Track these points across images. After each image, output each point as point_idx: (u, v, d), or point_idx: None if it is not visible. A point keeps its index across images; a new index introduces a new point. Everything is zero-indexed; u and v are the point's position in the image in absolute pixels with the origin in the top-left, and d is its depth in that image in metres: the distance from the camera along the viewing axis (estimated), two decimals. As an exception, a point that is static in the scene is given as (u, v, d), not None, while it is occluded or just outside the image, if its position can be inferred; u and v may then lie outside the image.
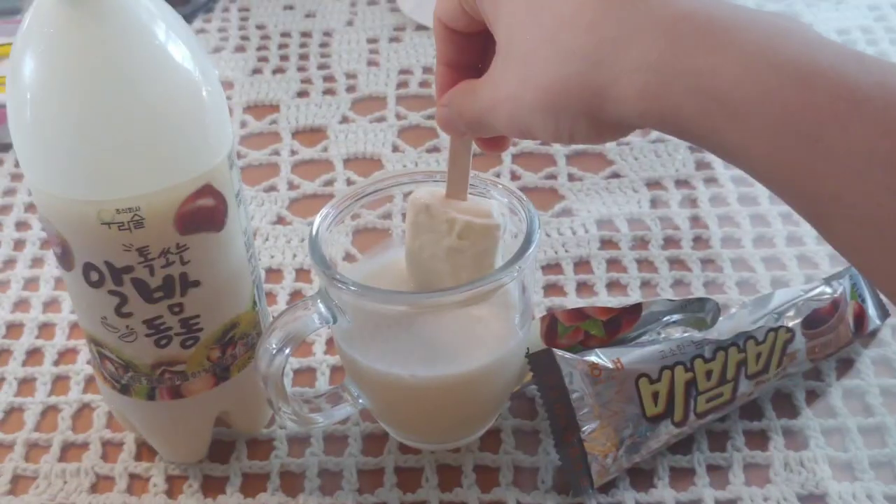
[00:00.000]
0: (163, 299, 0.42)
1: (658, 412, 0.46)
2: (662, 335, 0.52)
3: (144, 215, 0.39)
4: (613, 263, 0.60)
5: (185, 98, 0.39)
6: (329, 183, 0.69)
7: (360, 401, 0.48)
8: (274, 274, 0.61)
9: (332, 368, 0.54)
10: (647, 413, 0.46)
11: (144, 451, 0.50)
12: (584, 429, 0.46)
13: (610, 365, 0.46)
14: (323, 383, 0.53)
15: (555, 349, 0.46)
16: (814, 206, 0.29)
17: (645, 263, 0.60)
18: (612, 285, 0.58)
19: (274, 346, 0.43)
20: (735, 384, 0.48)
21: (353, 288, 0.42)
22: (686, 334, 0.50)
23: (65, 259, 0.42)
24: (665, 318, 0.50)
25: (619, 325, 0.49)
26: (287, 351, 0.43)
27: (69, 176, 0.39)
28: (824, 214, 0.29)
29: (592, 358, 0.46)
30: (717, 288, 0.58)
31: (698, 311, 0.50)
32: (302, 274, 0.61)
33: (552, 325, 0.49)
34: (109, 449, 0.50)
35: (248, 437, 0.50)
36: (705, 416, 0.48)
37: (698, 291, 0.57)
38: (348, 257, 0.50)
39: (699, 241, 0.61)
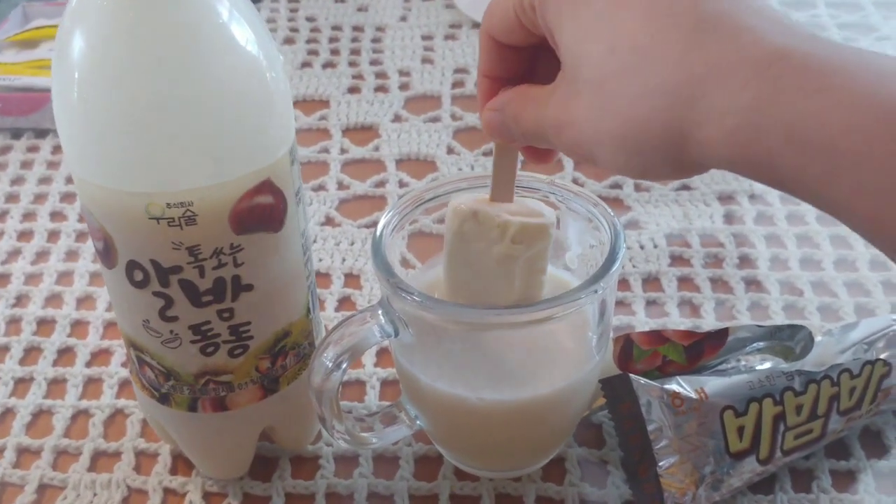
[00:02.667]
0: (212, 303, 0.38)
1: (743, 448, 0.42)
2: (742, 362, 0.47)
3: (197, 211, 0.36)
4: (685, 282, 0.56)
5: (248, 85, 0.36)
6: (380, 184, 0.65)
7: (418, 422, 0.44)
8: (322, 278, 0.58)
9: (382, 382, 0.50)
10: (731, 449, 0.42)
11: (181, 463, 0.46)
12: (661, 463, 0.42)
13: (693, 395, 0.42)
14: (373, 398, 0.50)
15: (631, 375, 0.43)
16: None
17: (719, 283, 0.56)
18: (685, 305, 0.54)
19: (330, 360, 0.40)
20: (826, 420, 0.44)
21: (418, 299, 0.38)
22: (768, 364, 0.47)
23: (107, 255, 0.38)
24: (750, 347, 0.46)
25: (702, 351, 0.45)
26: (344, 366, 0.40)
27: (117, 165, 0.35)
28: None
29: (673, 386, 0.42)
30: (798, 313, 0.54)
31: (788, 339, 0.46)
32: (351, 280, 0.58)
33: (627, 348, 0.45)
34: (143, 460, 0.47)
35: (293, 454, 0.47)
36: (792, 453, 0.44)
37: (776, 316, 0.53)
38: (405, 262, 0.47)
39: (776, 262, 0.57)
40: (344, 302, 0.56)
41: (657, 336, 0.45)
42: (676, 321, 0.53)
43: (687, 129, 0.29)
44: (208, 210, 0.36)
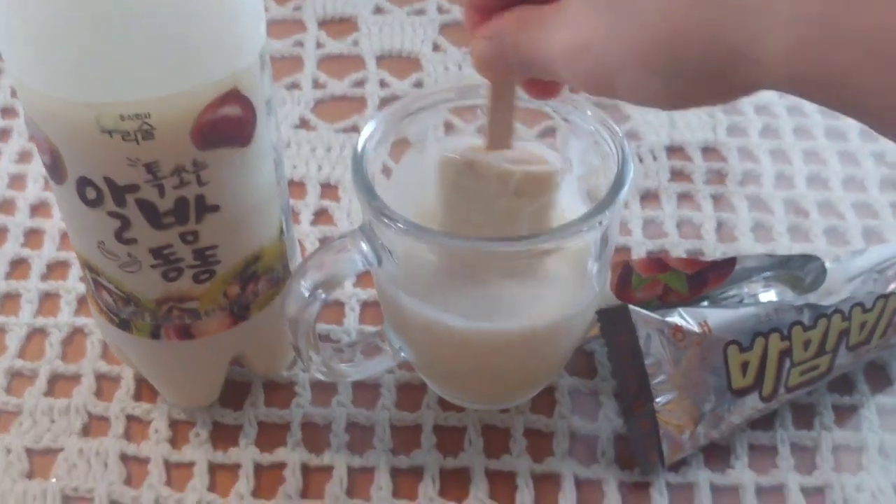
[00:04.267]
0: (174, 225, 0.35)
1: (746, 384, 0.40)
2: (746, 290, 0.44)
3: (155, 124, 0.32)
4: (686, 199, 0.53)
5: (211, -21, 0.31)
6: (359, 84, 0.61)
7: (402, 353, 0.41)
8: (296, 188, 0.54)
9: (363, 304, 0.47)
10: (734, 385, 0.40)
11: (145, 389, 0.43)
12: (658, 400, 0.39)
13: (695, 328, 0.39)
14: (352, 321, 0.46)
15: (630, 306, 0.40)
16: None
17: (722, 201, 0.52)
18: (685, 224, 0.51)
19: (307, 289, 0.36)
20: (833, 356, 0.41)
21: (403, 227, 0.34)
22: (773, 293, 0.44)
23: (55, 170, 0.34)
24: (757, 276, 0.43)
25: (706, 280, 0.42)
26: (322, 297, 0.36)
27: (61, 70, 0.31)
28: None
29: (674, 319, 0.39)
30: (803, 235, 0.51)
31: (797, 268, 0.43)
32: (328, 190, 0.54)
33: (626, 275, 0.42)
34: (104, 384, 0.44)
35: (267, 380, 0.44)
36: (795, 389, 0.41)
37: (781, 238, 0.50)
38: (386, 171, 0.43)
39: (782, 180, 0.54)
40: (321, 215, 0.52)
41: (658, 263, 0.42)
42: (676, 242, 0.50)
43: (740, 42, 0.24)
44: (168, 123, 0.32)
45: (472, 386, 0.42)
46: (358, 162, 0.37)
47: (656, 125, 0.57)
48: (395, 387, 0.43)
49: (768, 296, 0.43)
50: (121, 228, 0.34)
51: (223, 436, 0.42)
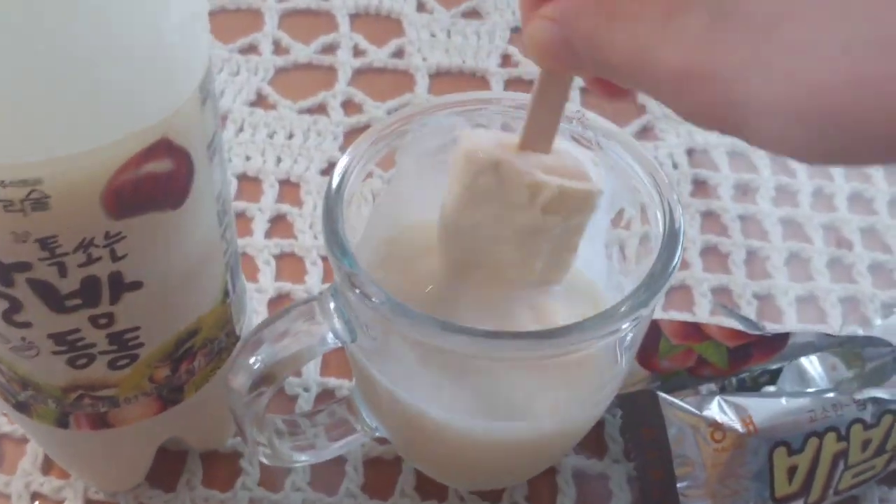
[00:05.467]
0: (81, 308, 0.26)
1: (791, 492, 0.33)
2: (788, 365, 0.37)
3: (49, 191, 0.23)
4: (710, 218, 0.45)
5: None
6: (329, 49, 0.51)
7: (377, 433, 0.33)
8: (248, 185, 0.45)
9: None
10: (777, 493, 0.33)
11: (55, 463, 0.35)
12: (686, 508, 0.32)
13: (737, 426, 0.32)
14: (313, 371, 0.38)
15: (661, 394, 0.32)
16: None
17: (751, 223, 0.45)
18: (710, 253, 0.43)
19: (258, 372, 0.28)
20: (893, 455, 0.34)
21: (388, 311, 0.26)
22: (818, 368, 0.36)
23: (-82, 234, 0.25)
24: (808, 355, 0.36)
25: (749, 356, 0.34)
26: (272, 387, 0.28)
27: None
28: None
29: (713, 413, 0.32)
30: (845, 272, 0.43)
31: (858, 347, 0.35)
32: (288, 189, 0.45)
33: (653, 339, 0.34)
34: (7, 449, 0.36)
35: (206, 451, 0.36)
36: (845, 492, 0.34)
37: (820, 276, 0.43)
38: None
39: (820, 198, 0.46)
40: (277, 223, 0.43)
41: (695, 330, 0.34)
42: (699, 276, 0.42)
43: None
44: (67, 190, 0.23)
45: (461, 475, 0.35)
46: (331, 208, 0.29)
47: (676, 121, 0.48)
48: (362, 464, 0.36)
49: (813, 371, 0.36)
50: (10, 310, 0.26)
51: (152, 524, 0.34)
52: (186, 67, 0.24)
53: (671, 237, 0.28)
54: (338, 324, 0.29)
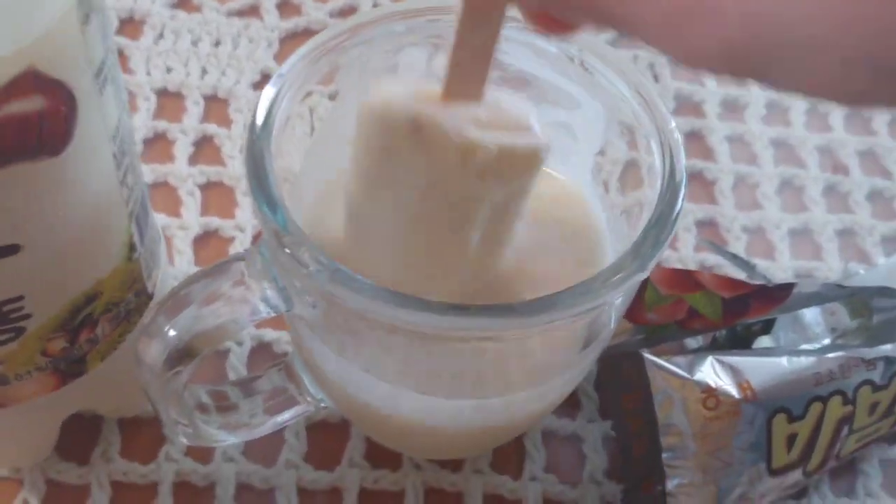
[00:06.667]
0: (-59, 279, 0.21)
1: (789, 462, 0.29)
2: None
3: None
4: (694, 140, 0.40)
5: None
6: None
7: (323, 404, 0.29)
8: (169, 101, 0.39)
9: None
10: (774, 464, 0.29)
11: (-54, 429, 0.30)
12: (673, 482, 0.28)
13: (734, 392, 0.28)
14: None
15: (646, 354, 0.28)
16: None
17: (740, 145, 0.40)
18: (694, 180, 0.39)
19: (175, 345, 0.23)
20: (900, 414, 0.31)
21: (327, 280, 0.21)
22: (818, 317, 0.33)
23: None
24: (813, 306, 0.31)
25: (746, 308, 0.30)
26: (191, 365, 0.24)
27: None
28: None
29: (706, 377, 0.28)
30: (840, 199, 0.39)
31: (868, 297, 0.31)
32: (215, 106, 0.39)
33: (640, 289, 0.30)
34: None
35: (123, 417, 0.31)
36: (846, 457, 0.31)
37: (816, 206, 0.38)
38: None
39: (814, 115, 0.41)
40: (203, 146, 0.38)
41: (687, 278, 0.30)
42: (689, 207, 0.37)
43: None
44: None
45: (417, 448, 0.30)
46: (256, 148, 0.23)
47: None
48: (305, 431, 0.31)
49: (810, 316, 0.32)
50: None
51: (63, 502, 0.30)
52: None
53: (671, 179, 0.23)
54: (269, 290, 0.24)
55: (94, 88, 0.21)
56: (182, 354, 0.24)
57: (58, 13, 0.19)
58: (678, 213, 0.23)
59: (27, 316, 0.23)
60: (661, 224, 0.23)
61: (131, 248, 0.25)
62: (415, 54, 0.27)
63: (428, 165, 0.22)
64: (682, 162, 0.24)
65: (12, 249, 0.21)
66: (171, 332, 0.24)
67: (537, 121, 0.23)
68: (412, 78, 0.26)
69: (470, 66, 0.22)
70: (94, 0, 0.20)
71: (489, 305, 0.21)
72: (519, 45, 0.26)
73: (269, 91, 0.24)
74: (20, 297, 0.22)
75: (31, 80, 0.19)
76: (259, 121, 0.24)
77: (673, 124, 0.24)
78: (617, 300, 0.23)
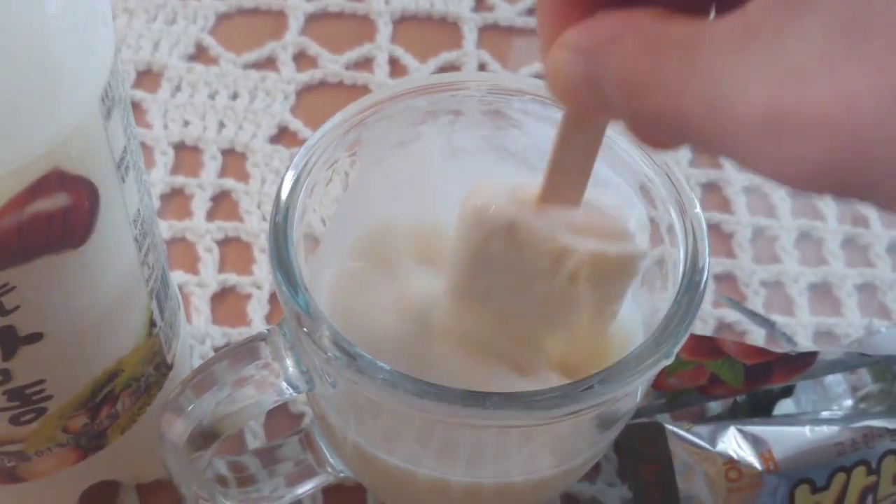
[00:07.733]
0: (-35, 368, 0.21)
1: (811, 531, 0.29)
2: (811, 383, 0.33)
3: None
4: (712, 191, 0.40)
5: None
6: (278, -10, 0.44)
7: (343, 474, 0.29)
8: (187, 156, 0.39)
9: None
10: (796, 534, 0.29)
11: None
12: (693, 554, 0.28)
13: (756, 464, 0.28)
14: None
15: (667, 426, 0.28)
16: None
17: (757, 197, 0.40)
18: (711, 232, 0.38)
19: (191, 436, 0.23)
20: (923, 480, 0.31)
21: (338, 356, 0.21)
22: (842, 383, 0.32)
23: None
24: (837, 373, 0.31)
25: (769, 375, 0.30)
26: (213, 447, 0.24)
27: None
28: None
29: (728, 448, 0.28)
30: (860, 252, 0.39)
31: (893, 363, 0.31)
32: (232, 160, 0.39)
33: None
34: None
35: (140, 482, 0.31)
36: (868, 522, 0.31)
37: (835, 260, 0.38)
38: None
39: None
40: (220, 202, 0.38)
41: (709, 345, 0.30)
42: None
43: None
44: (-73, 241, 0.18)
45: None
46: (280, 233, 0.23)
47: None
48: (321, 494, 0.31)
49: (835, 379, 0.32)
50: None
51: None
52: (80, 78, 0.19)
53: (693, 261, 0.23)
54: (291, 369, 0.24)
55: (117, 178, 0.21)
56: (206, 435, 0.24)
57: (82, 113, 0.19)
58: (700, 301, 0.23)
59: (48, 397, 0.23)
60: (685, 311, 0.22)
61: (151, 324, 0.25)
62: (435, 126, 0.27)
63: (521, 265, 0.23)
64: (706, 261, 0.24)
65: (35, 338, 0.21)
66: (196, 413, 0.24)
67: (634, 226, 0.23)
68: (514, 180, 0.26)
69: (568, 174, 0.22)
70: (117, 94, 0.20)
71: (509, 395, 0.21)
72: (537, 119, 0.26)
73: (290, 176, 0.24)
74: (42, 381, 0.22)
75: (56, 180, 0.19)
76: (283, 199, 0.24)
77: (698, 208, 0.24)
78: (640, 386, 0.23)
